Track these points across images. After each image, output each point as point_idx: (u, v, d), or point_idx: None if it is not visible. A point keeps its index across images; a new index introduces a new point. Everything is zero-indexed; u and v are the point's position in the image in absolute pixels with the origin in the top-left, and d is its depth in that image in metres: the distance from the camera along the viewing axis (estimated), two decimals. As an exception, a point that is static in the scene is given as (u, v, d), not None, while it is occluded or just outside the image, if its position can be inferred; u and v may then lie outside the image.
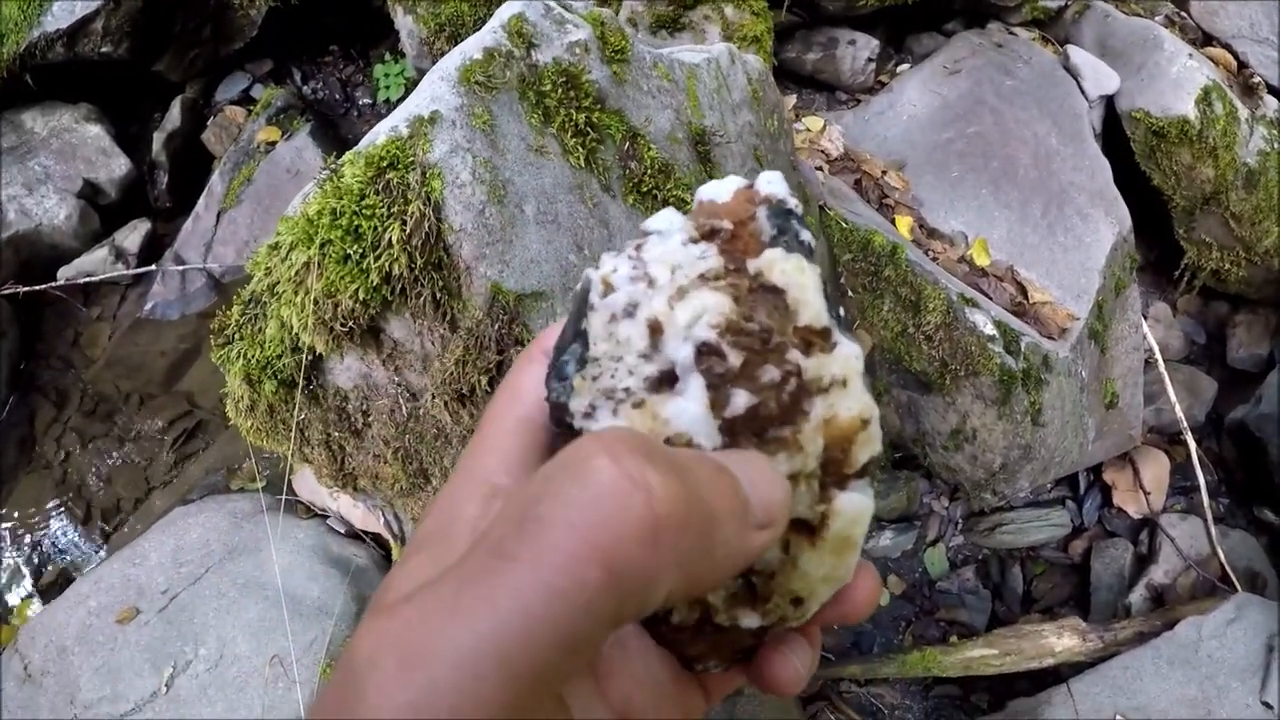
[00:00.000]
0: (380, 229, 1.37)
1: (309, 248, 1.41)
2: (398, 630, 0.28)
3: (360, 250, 1.38)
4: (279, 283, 1.47)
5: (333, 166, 1.43)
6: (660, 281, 0.37)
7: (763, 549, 0.34)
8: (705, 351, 0.35)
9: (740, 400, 0.35)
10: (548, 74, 1.53)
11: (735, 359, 0.35)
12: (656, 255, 0.38)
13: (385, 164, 1.39)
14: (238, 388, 1.62)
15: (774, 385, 0.35)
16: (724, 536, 0.32)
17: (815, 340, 0.37)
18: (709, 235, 0.38)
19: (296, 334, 1.49)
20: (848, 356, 0.37)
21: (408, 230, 1.37)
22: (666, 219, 0.39)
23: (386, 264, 1.38)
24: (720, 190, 0.40)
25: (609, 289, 0.37)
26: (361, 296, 1.40)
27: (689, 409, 0.35)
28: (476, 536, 0.30)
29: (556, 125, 1.54)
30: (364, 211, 1.37)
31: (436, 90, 1.44)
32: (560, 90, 1.53)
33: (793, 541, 0.37)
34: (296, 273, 1.44)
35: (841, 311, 0.39)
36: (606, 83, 1.59)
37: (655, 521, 0.29)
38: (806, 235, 0.38)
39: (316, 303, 1.43)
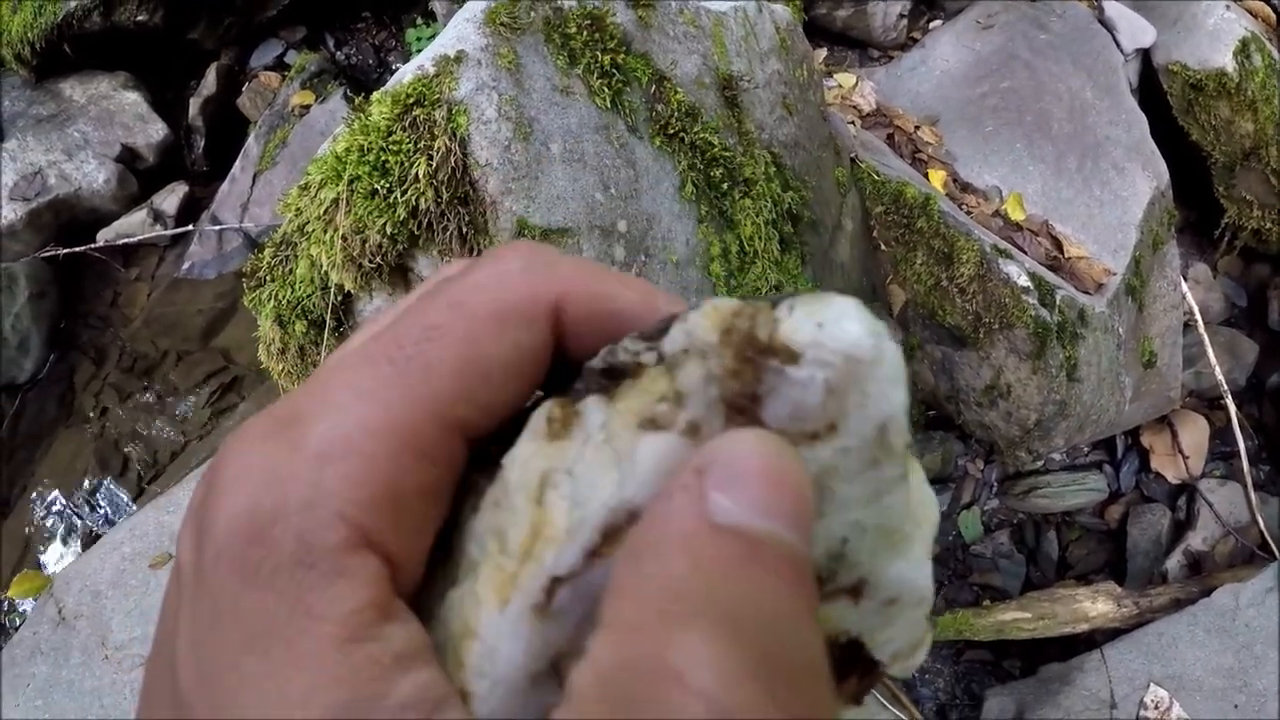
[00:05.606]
0: (407, 164, 1.38)
1: (337, 184, 1.42)
2: None
3: (387, 185, 1.39)
4: (308, 222, 1.49)
5: (360, 106, 1.44)
6: None
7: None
8: None
9: None
10: (573, 17, 1.53)
11: None
12: None
13: (412, 101, 1.40)
14: (269, 329, 1.64)
15: None
16: None
17: None
18: None
19: (325, 272, 1.50)
20: None
21: (434, 164, 1.38)
22: None
23: (413, 198, 1.39)
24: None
25: None
26: (389, 231, 1.41)
27: None
28: None
29: (582, 67, 1.54)
30: (391, 147, 1.38)
31: (462, 31, 1.45)
32: (585, 33, 1.53)
33: None
34: (325, 210, 1.45)
35: None
36: (632, 26, 1.58)
37: None
38: None
39: (345, 239, 1.44)
